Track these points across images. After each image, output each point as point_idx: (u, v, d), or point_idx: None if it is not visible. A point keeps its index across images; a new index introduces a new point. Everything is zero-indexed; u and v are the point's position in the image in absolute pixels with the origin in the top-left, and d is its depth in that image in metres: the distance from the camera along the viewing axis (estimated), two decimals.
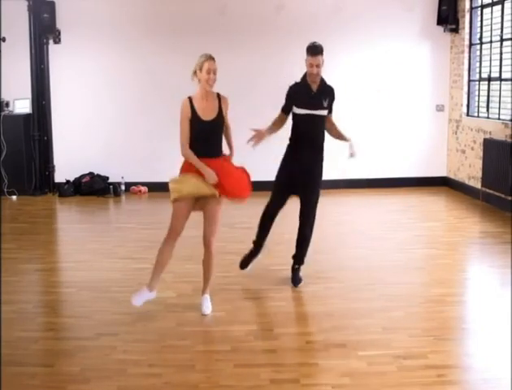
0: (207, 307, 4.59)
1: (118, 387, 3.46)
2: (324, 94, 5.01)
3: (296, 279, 5.14)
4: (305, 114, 4.96)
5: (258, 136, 4.82)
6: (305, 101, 4.96)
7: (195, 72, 4.44)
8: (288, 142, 5.14)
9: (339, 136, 5.18)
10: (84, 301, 4.83)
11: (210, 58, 4.39)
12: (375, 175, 9.45)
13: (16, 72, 8.95)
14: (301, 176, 5.01)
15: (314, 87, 4.99)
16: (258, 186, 8.93)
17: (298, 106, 4.97)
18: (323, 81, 5.04)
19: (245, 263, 5.28)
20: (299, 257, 5.22)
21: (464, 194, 8.79)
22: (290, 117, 5.11)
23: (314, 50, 4.86)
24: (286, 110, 5.06)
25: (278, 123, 5.08)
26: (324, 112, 5.03)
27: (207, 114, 4.42)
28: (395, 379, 3.52)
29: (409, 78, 9.43)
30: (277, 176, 5.16)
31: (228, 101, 4.55)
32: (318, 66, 4.86)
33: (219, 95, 4.52)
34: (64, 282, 5.47)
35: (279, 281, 5.18)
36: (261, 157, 9.24)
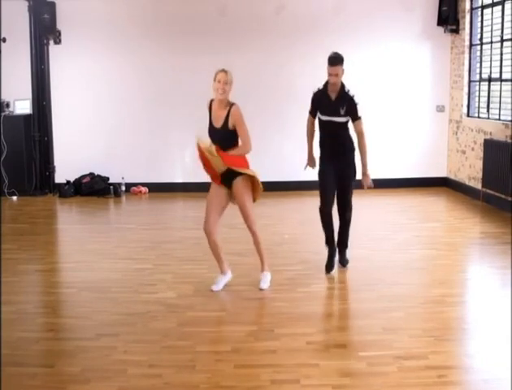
0: (264, 282, 5.02)
1: (118, 387, 3.46)
2: (342, 102, 5.23)
3: (344, 260, 5.57)
4: (326, 121, 5.29)
5: (311, 162, 5.51)
6: (325, 109, 5.27)
7: (213, 83, 4.81)
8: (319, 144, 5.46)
9: (361, 155, 5.40)
10: (84, 301, 4.83)
11: (223, 70, 4.79)
12: (375, 175, 9.26)
13: (17, 73, 8.95)
14: (336, 168, 5.34)
15: (333, 95, 5.25)
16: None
17: (321, 113, 5.31)
18: (342, 89, 5.24)
19: (329, 266, 5.45)
20: (344, 242, 5.57)
21: (464, 195, 8.79)
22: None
23: (333, 61, 5.14)
24: (313, 113, 5.42)
25: (311, 128, 5.49)
26: (342, 119, 5.27)
27: (217, 121, 4.81)
28: (395, 379, 3.52)
29: (409, 78, 9.43)
30: (319, 176, 5.45)
31: (237, 114, 4.78)
32: (336, 75, 5.14)
33: (231, 107, 4.79)
34: (64, 282, 5.47)
35: (280, 282, 5.18)
36: (267, 158, 9.29)
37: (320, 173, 5.43)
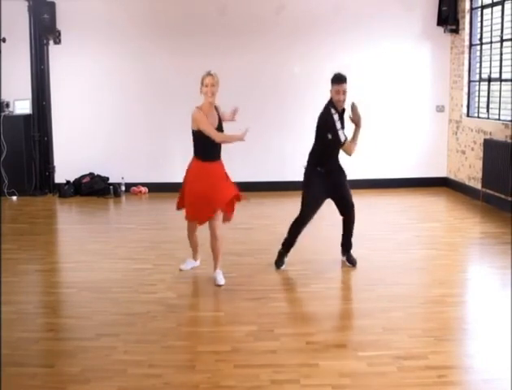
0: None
1: (118, 387, 3.46)
2: (344, 113, 5.37)
3: (353, 260, 5.60)
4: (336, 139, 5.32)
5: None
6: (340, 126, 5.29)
7: (201, 87, 4.99)
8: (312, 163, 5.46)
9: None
10: (84, 301, 4.83)
11: (209, 74, 4.94)
12: (375, 175, 9.44)
13: (16, 73, 8.95)
14: (332, 179, 5.39)
15: (340, 110, 5.30)
16: (253, 187, 8.97)
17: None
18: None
19: (280, 263, 5.51)
20: (351, 242, 5.61)
21: (464, 195, 8.79)
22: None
23: (340, 79, 5.22)
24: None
25: None
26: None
27: (213, 123, 5.01)
28: (395, 379, 3.52)
29: (409, 78, 9.43)
30: (312, 188, 5.42)
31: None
32: (344, 93, 5.22)
33: (217, 107, 5.08)
34: (64, 282, 5.47)
35: (280, 282, 5.19)
36: (267, 158, 9.30)
37: (315, 184, 5.39)
